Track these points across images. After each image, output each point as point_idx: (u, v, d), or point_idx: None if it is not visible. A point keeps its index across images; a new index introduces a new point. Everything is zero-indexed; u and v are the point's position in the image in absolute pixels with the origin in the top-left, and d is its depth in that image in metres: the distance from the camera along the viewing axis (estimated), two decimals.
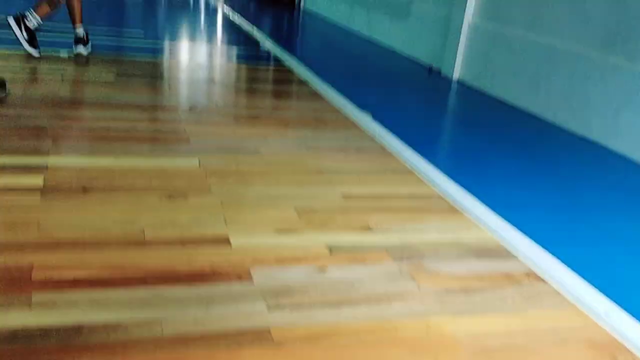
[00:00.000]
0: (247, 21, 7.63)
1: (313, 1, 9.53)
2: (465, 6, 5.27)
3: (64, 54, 4.60)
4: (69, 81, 4.09)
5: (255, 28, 7.18)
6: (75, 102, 3.57)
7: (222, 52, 6.15)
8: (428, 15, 6.05)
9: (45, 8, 4.56)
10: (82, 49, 4.64)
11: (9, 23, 4.45)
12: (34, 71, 4.19)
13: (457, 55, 5.40)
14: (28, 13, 4.48)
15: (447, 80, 5.41)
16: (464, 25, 5.31)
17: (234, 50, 6.36)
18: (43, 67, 4.33)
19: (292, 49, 6.45)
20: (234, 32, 7.24)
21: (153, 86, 4.26)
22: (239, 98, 4.22)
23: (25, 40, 4.49)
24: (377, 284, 1.87)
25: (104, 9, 5.13)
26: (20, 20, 4.45)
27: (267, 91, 4.62)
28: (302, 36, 8.36)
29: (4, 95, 3.40)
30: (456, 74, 5.44)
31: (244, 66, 5.57)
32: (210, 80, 4.66)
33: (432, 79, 5.53)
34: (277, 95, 4.55)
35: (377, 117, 3.83)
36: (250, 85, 4.71)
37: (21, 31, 4.48)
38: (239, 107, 3.94)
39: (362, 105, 4.07)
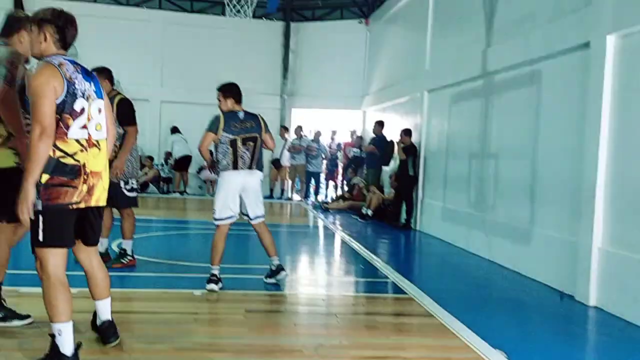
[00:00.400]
0: (364, 246, 7.81)
1: (428, 223, 9.70)
2: (592, 233, 5.11)
3: (197, 292, 4.84)
4: (201, 321, 4.24)
5: (372, 253, 7.31)
6: (204, 347, 3.64)
7: (341, 282, 6.21)
8: (552, 240, 5.90)
9: (218, 256, 5.05)
10: (214, 287, 4.89)
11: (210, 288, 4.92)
12: (164, 311, 4.40)
13: (590, 281, 5.10)
14: (214, 271, 5.00)
15: (583, 307, 5.05)
16: (593, 251, 5.09)
17: (353, 278, 6.42)
18: (174, 305, 4.56)
19: (411, 274, 6.43)
20: (352, 258, 7.37)
21: (279, 323, 4.31)
22: (362, 335, 4.12)
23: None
24: None
25: (230, 244, 5.44)
26: (214, 279, 4.97)
27: (390, 325, 4.50)
28: (421, 260, 8.37)
29: (114, 342, 3.44)
30: (592, 301, 5.08)
31: (363, 296, 5.55)
32: (333, 315, 4.64)
33: (565, 305, 5.20)
34: (401, 330, 4.41)
35: (514, 356, 3.56)
36: (372, 318, 4.63)
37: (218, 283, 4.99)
38: (362, 346, 3.83)
39: (494, 341, 3.82)
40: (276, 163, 14.74)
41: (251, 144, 5.11)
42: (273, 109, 15.40)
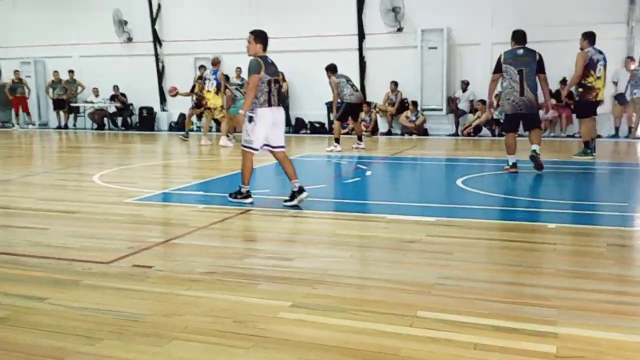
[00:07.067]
0: None
1: None
2: None
3: (551, 225, 5.14)
4: (561, 251, 4.43)
5: None
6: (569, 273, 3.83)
7: None
8: None
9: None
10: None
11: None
12: (522, 240, 4.74)
13: None
14: None
15: None
16: None
17: None
18: (531, 236, 4.93)
19: None
20: None
21: None
22: None
23: None
24: None
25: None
26: None
27: None
28: None
29: None
30: None
31: None
32: None
33: None
34: None
35: None
36: None
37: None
38: None
39: None
40: (620, 98, 13.41)
41: None
42: (617, 38, 13.81)
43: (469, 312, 3.16)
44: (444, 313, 3.16)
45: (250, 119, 6.02)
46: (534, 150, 8.23)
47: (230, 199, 6.25)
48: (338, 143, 11.65)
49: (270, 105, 6.05)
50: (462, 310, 3.19)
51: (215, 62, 13.35)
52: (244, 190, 6.23)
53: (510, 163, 8.31)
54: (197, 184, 7.96)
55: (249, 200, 6.20)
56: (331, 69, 11.75)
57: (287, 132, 11.24)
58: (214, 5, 17.71)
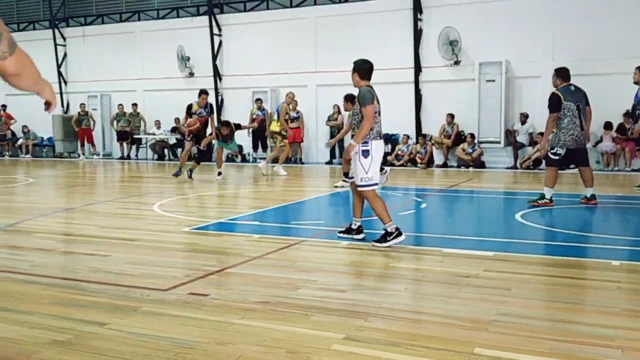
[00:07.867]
0: None
1: None
2: None
3: (615, 263, 4.99)
4: (624, 290, 4.32)
5: None
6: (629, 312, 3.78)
7: None
8: None
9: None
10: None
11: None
12: (583, 277, 4.66)
13: None
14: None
15: None
16: None
17: None
18: (594, 273, 4.75)
19: None
20: None
21: None
22: None
23: None
24: None
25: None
26: None
27: None
28: None
29: None
30: None
31: None
32: None
33: None
34: None
35: None
36: None
37: None
38: None
39: None
40: None
41: None
42: None
43: (529, 351, 3.06)
44: (503, 351, 3.06)
45: (367, 153, 5.66)
46: (593, 195, 8.33)
47: (380, 245, 5.64)
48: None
49: (380, 137, 5.84)
50: (521, 349, 3.09)
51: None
52: (390, 229, 5.64)
53: (549, 197, 8.23)
54: (252, 213, 8.08)
55: (402, 237, 5.64)
56: (352, 100, 9.76)
57: (339, 163, 10.95)
58: (272, 41, 18.15)
